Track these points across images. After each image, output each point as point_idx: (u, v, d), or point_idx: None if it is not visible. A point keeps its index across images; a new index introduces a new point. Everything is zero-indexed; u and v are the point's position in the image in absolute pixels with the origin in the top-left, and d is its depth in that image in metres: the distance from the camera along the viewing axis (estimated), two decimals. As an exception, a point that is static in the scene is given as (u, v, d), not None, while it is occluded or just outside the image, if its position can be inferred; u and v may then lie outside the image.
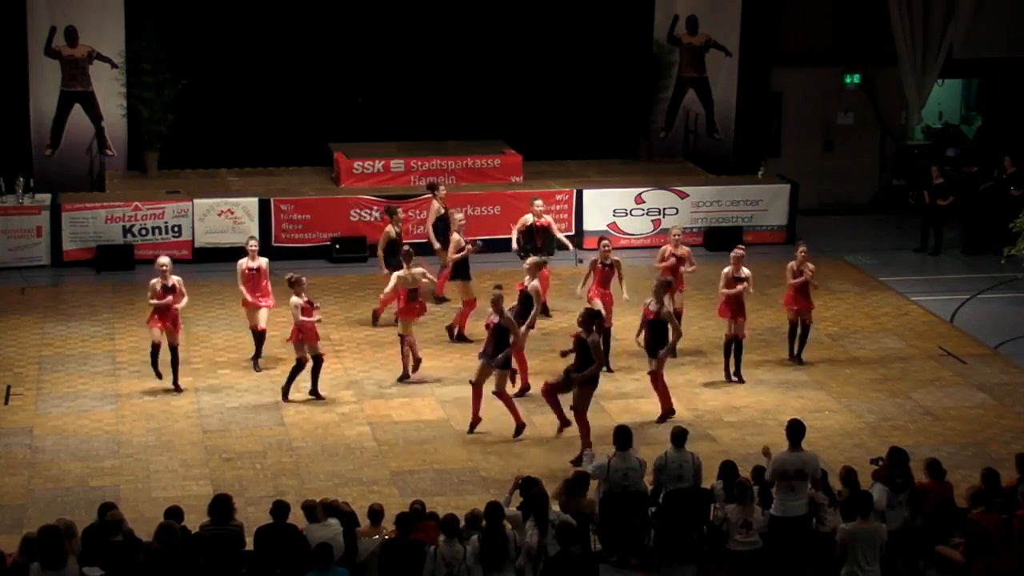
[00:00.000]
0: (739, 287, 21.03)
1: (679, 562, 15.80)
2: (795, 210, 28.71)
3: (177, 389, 20.52)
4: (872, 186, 32.09)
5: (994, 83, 32.50)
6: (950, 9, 30.40)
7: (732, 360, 21.30)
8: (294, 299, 20.25)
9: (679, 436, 16.22)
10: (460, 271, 22.90)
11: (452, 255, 22.97)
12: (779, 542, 15.31)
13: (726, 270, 21.24)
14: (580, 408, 18.48)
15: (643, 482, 16.00)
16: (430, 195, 24.83)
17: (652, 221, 27.85)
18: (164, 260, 20.69)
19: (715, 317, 22.28)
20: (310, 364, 20.30)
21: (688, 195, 28.17)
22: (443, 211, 24.31)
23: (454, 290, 23.41)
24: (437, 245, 24.09)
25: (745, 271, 21.15)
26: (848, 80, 31.95)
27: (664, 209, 28.02)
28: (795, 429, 15.82)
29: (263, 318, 21.47)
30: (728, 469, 15.83)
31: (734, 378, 21.23)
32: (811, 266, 21.62)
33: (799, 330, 21.91)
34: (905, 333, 23.60)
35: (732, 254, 21.43)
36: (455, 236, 23.13)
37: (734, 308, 21.14)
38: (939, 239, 28.21)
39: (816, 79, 31.45)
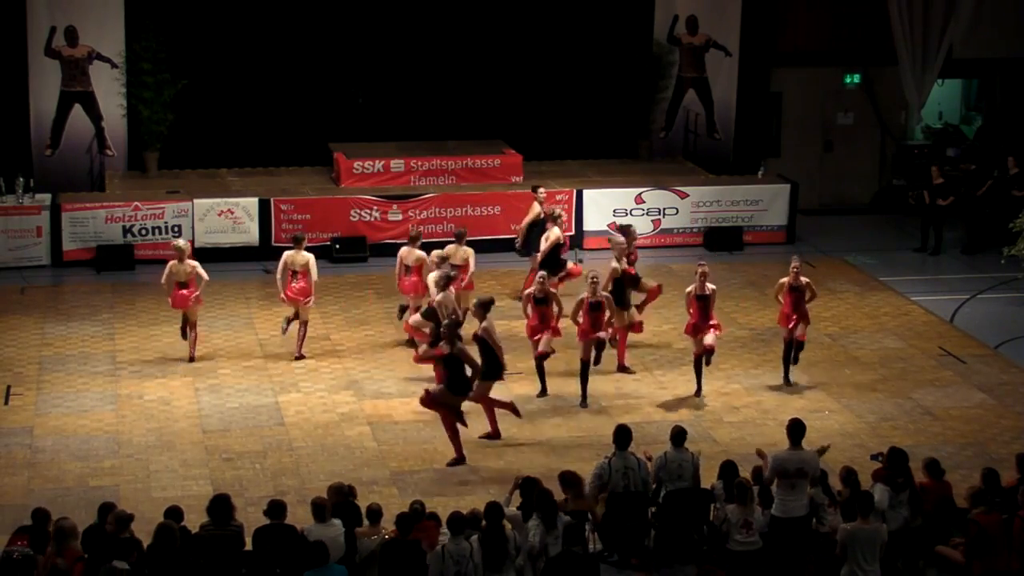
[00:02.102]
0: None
1: (679, 562, 15.80)
2: (795, 210, 28.72)
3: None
4: (872, 186, 32.10)
5: (994, 83, 32.51)
6: (950, 9, 30.40)
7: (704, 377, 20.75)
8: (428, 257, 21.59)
9: (678, 435, 16.22)
10: (550, 265, 22.86)
11: (545, 248, 23.17)
12: (779, 542, 15.31)
13: (689, 288, 20.53)
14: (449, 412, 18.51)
15: (644, 482, 15.97)
16: (532, 195, 24.83)
17: (652, 221, 27.85)
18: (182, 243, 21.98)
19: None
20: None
21: (688, 195, 28.17)
22: (542, 215, 24.20)
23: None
24: (518, 244, 24.44)
25: (710, 287, 20.43)
26: (848, 80, 31.96)
27: (664, 209, 28.03)
28: (796, 428, 15.83)
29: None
30: (728, 469, 15.83)
31: (698, 397, 20.56)
32: (805, 279, 20.78)
33: (793, 348, 20.97)
34: (905, 333, 23.60)
35: (697, 271, 20.55)
36: (555, 230, 23.27)
37: (700, 325, 20.40)
38: (939, 239, 28.22)
39: (816, 79, 31.46)
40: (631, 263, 21.86)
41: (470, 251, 22.37)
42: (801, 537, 15.38)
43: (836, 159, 31.88)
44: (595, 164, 30.00)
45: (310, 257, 21.64)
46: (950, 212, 28.24)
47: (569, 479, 15.66)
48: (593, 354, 20.35)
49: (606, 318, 20.37)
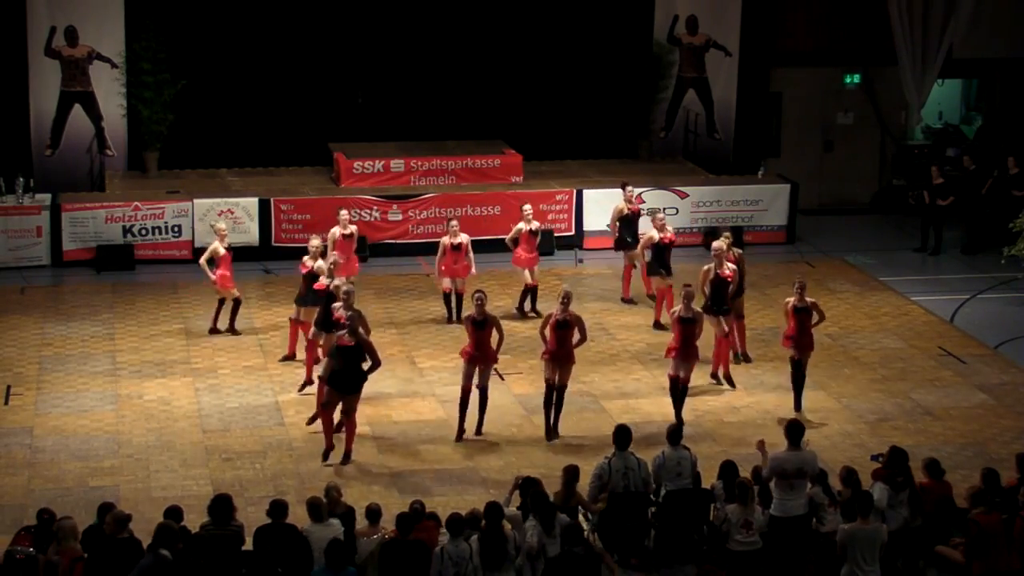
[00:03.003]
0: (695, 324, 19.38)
1: (679, 562, 15.80)
2: (795, 210, 28.72)
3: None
4: (872, 186, 32.10)
5: (994, 83, 32.51)
6: (950, 9, 30.41)
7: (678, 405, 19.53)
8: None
9: (674, 433, 16.26)
10: (661, 265, 23.00)
11: (642, 249, 23.41)
12: (779, 542, 15.31)
13: (676, 308, 19.65)
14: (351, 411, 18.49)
15: (644, 482, 15.97)
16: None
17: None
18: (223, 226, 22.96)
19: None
20: None
21: (688, 195, 28.17)
22: (626, 212, 24.30)
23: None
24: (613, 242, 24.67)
25: (696, 309, 19.63)
26: (848, 80, 31.96)
27: (664, 209, 27.92)
28: (793, 429, 15.85)
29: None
30: (728, 469, 15.82)
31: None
32: (811, 299, 20.00)
33: (795, 374, 19.98)
34: (905, 333, 23.59)
35: (683, 292, 19.66)
36: (650, 231, 23.44)
37: (683, 349, 19.41)
38: (939, 239, 28.21)
39: (816, 79, 31.46)
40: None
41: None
42: (801, 537, 15.39)
43: (836, 159, 31.88)
44: (595, 164, 30.00)
45: (353, 228, 23.44)
46: (950, 212, 28.24)
47: (563, 476, 15.68)
48: (556, 378, 19.12)
49: (574, 341, 19.09)
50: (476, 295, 19.17)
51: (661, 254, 23.37)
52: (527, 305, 23.71)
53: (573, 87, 30.35)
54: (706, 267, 21.26)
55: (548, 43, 30.21)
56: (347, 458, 18.37)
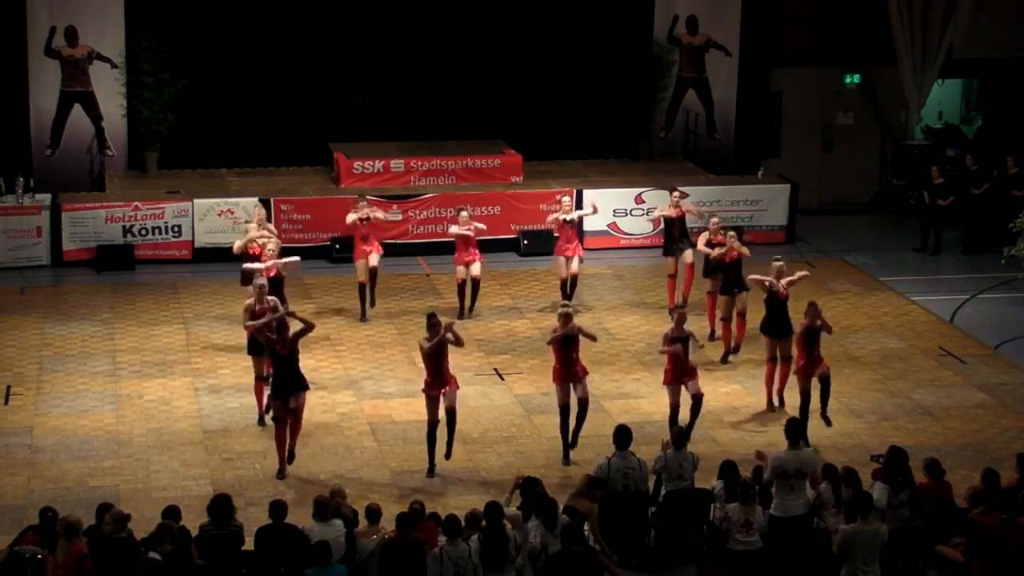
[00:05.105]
0: (679, 347, 18.47)
1: (679, 562, 15.81)
2: (795, 210, 28.73)
3: None
4: (872, 186, 32.10)
5: (994, 83, 32.51)
6: (950, 9, 30.41)
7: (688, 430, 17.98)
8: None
9: (680, 438, 16.24)
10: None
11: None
12: (779, 542, 15.31)
13: (666, 331, 18.77)
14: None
15: (644, 482, 15.98)
16: None
17: (652, 221, 27.83)
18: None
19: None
20: None
21: (688, 195, 28.11)
22: (672, 214, 23.81)
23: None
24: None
25: (687, 329, 18.73)
26: (848, 80, 31.96)
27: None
28: (793, 428, 15.87)
29: (372, 262, 23.26)
30: (728, 469, 15.83)
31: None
32: (820, 320, 18.92)
33: (819, 386, 18.98)
34: (905, 333, 23.60)
35: (675, 313, 18.96)
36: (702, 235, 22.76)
37: (679, 372, 18.64)
38: (939, 239, 28.21)
39: (816, 79, 31.46)
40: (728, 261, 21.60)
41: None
42: (801, 537, 15.39)
43: (836, 159, 31.88)
44: (595, 164, 30.02)
45: (369, 212, 23.45)
46: (950, 212, 28.24)
47: (591, 483, 15.67)
48: (574, 397, 18.35)
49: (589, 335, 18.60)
50: (430, 318, 18.10)
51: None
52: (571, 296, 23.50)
53: (573, 87, 30.35)
54: (767, 281, 20.24)
55: (548, 43, 30.21)
56: (291, 456, 18.04)
